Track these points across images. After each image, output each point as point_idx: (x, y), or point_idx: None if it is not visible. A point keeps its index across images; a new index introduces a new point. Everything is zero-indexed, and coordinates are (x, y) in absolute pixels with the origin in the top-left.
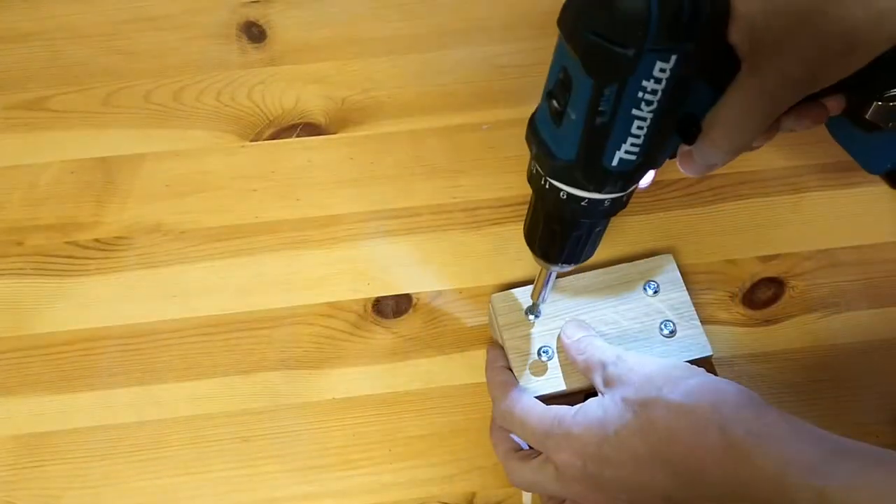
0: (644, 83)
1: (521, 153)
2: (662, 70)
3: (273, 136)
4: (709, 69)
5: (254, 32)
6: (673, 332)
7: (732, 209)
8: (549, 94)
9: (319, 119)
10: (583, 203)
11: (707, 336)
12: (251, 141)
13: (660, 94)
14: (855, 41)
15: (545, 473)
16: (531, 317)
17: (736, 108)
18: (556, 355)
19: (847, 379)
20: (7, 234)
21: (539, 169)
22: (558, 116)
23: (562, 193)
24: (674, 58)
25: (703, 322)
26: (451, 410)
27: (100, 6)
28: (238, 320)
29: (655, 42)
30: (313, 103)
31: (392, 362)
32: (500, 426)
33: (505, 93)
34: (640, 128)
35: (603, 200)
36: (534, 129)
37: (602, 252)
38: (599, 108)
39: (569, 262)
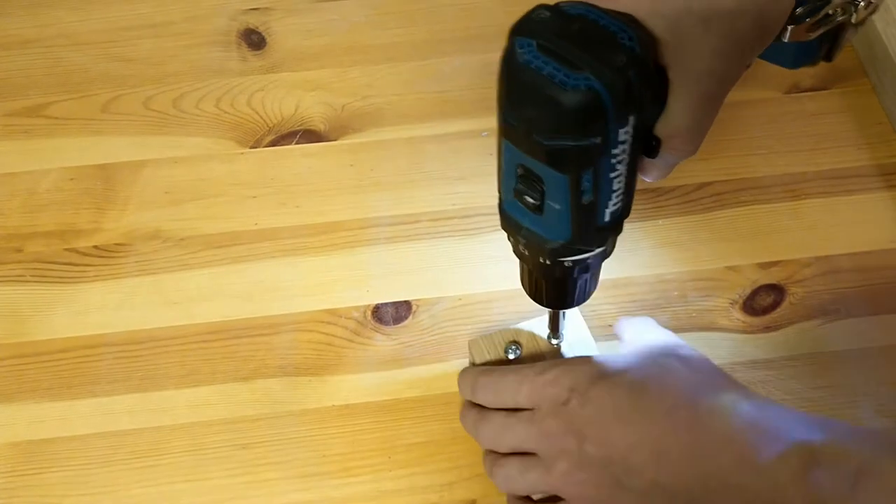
0: (614, 151)
1: None
2: (626, 132)
3: (273, 143)
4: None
5: (253, 39)
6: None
7: (732, 216)
8: (517, 191)
9: (319, 126)
10: (588, 261)
11: (707, 343)
12: (251, 148)
13: (628, 147)
14: (766, 20)
15: (518, 417)
16: (555, 341)
17: (685, 116)
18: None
19: (847, 386)
20: (6, 240)
21: (532, 252)
22: (537, 209)
23: (565, 263)
24: (632, 117)
25: (702, 329)
26: (451, 417)
27: (100, 13)
28: (237, 327)
29: (617, 120)
30: (313, 110)
31: (391, 369)
32: (469, 405)
33: None
34: (619, 182)
35: (605, 249)
36: (512, 222)
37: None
38: (581, 191)
39: (580, 303)
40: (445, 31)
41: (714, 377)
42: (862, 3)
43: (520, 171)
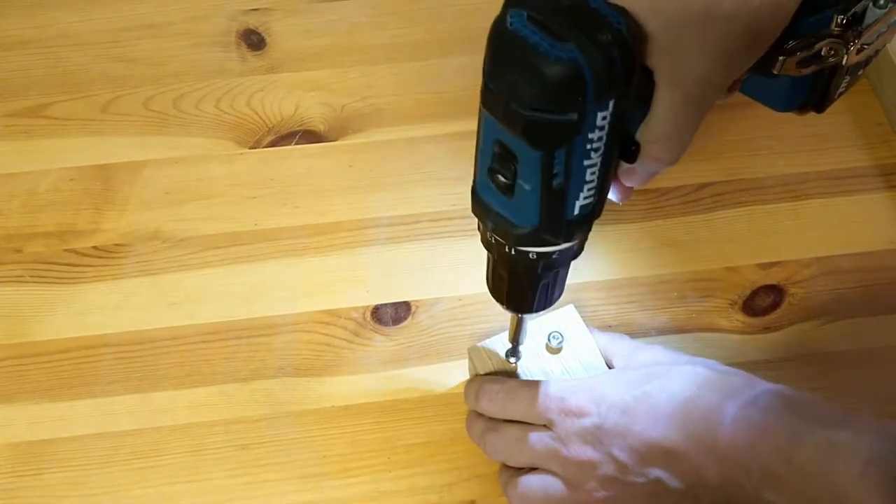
0: (590, 135)
1: None
2: (604, 118)
3: (272, 144)
4: (634, 88)
5: (253, 40)
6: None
7: (732, 216)
8: (490, 170)
9: (319, 126)
10: (553, 256)
11: (707, 344)
12: (250, 148)
13: (605, 137)
14: (759, 29)
15: (535, 433)
16: (513, 360)
17: (667, 121)
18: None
19: (847, 386)
20: (6, 241)
21: (499, 239)
22: (508, 189)
23: (531, 255)
24: (612, 102)
25: (702, 330)
26: (451, 418)
27: (100, 14)
28: (237, 328)
29: (595, 99)
30: (313, 111)
31: (391, 370)
32: (476, 414)
33: None
34: (592, 173)
35: (572, 246)
36: (482, 204)
37: (602, 259)
38: (553, 173)
39: (542, 309)
40: (445, 31)
41: (734, 373)
42: (853, 47)
43: (496, 148)
